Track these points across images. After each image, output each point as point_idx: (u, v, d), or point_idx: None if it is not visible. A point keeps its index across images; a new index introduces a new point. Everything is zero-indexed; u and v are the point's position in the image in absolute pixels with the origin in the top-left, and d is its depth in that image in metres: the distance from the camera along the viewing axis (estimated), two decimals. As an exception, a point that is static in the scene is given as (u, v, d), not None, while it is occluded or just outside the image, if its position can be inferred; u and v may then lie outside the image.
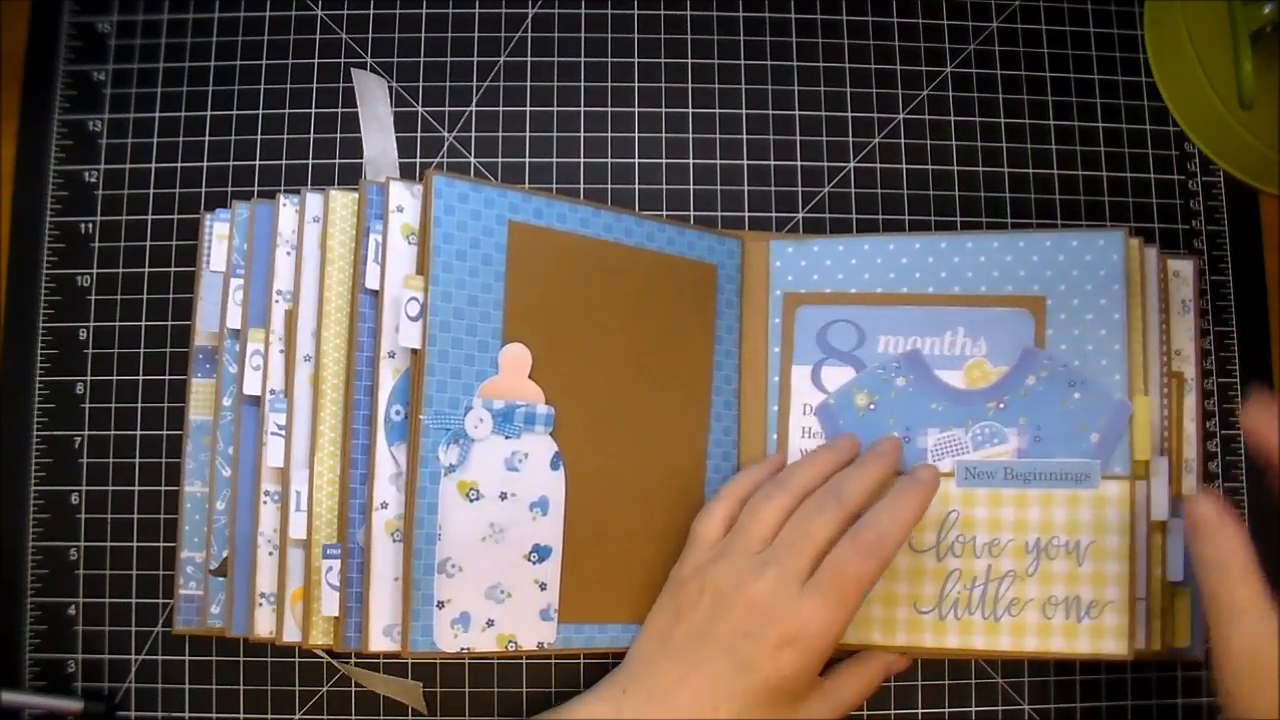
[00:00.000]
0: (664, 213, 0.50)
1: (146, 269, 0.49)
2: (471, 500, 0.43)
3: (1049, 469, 0.45)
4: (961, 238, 0.47)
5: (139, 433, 0.48)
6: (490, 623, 0.43)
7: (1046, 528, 0.45)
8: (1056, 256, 0.46)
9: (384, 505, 0.43)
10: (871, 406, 0.47)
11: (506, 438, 0.43)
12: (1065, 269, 0.46)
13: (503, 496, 0.43)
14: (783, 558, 0.40)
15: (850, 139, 0.51)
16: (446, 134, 0.50)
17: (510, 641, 0.43)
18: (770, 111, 0.51)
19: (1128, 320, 0.45)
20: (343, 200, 0.45)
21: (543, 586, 0.44)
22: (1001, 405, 0.46)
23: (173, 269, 0.49)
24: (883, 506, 0.40)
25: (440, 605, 0.42)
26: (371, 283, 0.43)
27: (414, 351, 0.43)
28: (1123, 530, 0.44)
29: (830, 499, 0.41)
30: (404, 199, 0.44)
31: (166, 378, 0.49)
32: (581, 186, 0.50)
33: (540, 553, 0.44)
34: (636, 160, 0.50)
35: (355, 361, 0.43)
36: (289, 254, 0.46)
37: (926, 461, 0.46)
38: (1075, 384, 0.45)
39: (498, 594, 0.43)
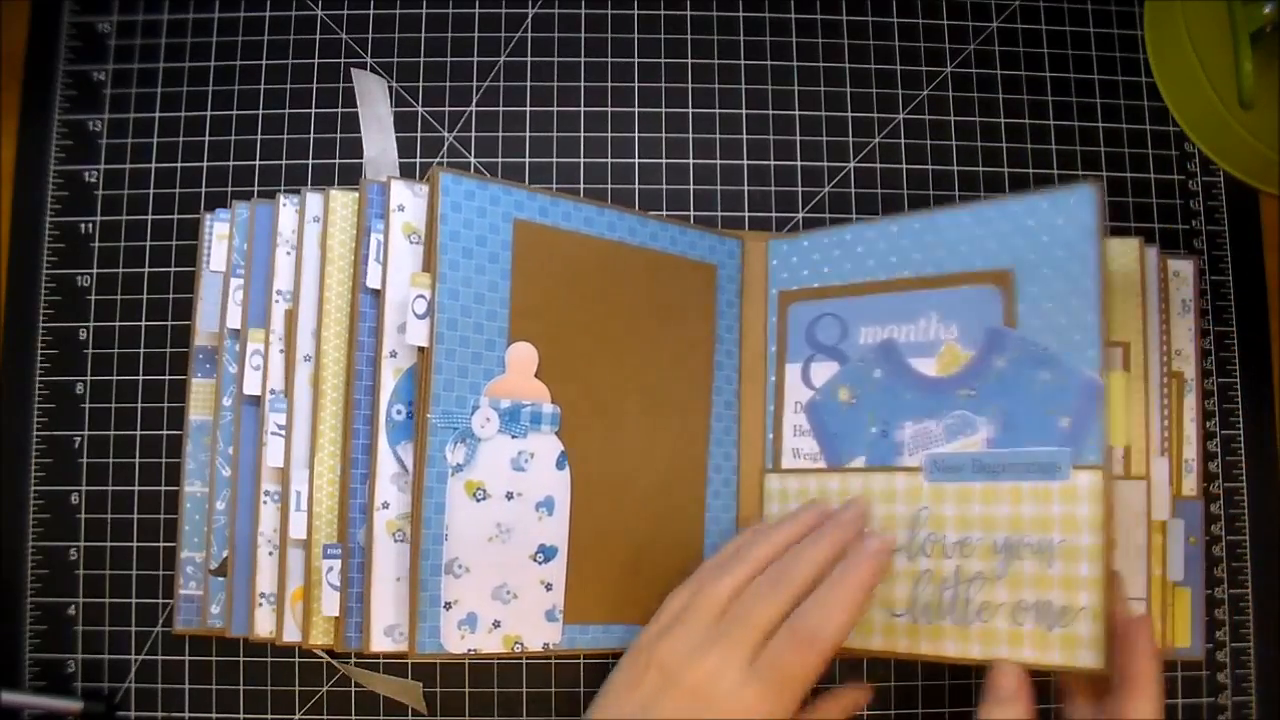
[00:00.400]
0: (664, 212, 0.50)
1: (146, 269, 0.49)
2: (478, 500, 0.43)
3: (1017, 460, 0.41)
4: (934, 214, 0.45)
5: (139, 433, 0.48)
6: (496, 624, 0.43)
7: (1015, 524, 0.41)
8: (1026, 222, 0.43)
9: (385, 505, 0.43)
10: (853, 401, 0.46)
11: (513, 437, 0.43)
12: (1035, 235, 0.42)
13: (509, 496, 0.43)
14: (729, 638, 0.38)
15: (850, 139, 0.51)
16: (446, 134, 0.50)
17: (516, 643, 0.43)
18: (770, 111, 0.51)
19: (1100, 288, 0.40)
20: (343, 200, 0.45)
21: (548, 587, 0.44)
22: (972, 393, 0.43)
23: (173, 269, 0.49)
24: (823, 593, 0.38)
25: (447, 606, 0.42)
26: (373, 282, 0.43)
27: (421, 350, 0.42)
28: (1095, 527, 0.39)
29: (779, 580, 0.39)
30: (405, 198, 0.44)
31: (166, 378, 0.49)
32: (581, 186, 0.50)
33: (546, 553, 0.44)
34: (636, 160, 0.50)
35: (356, 361, 0.43)
36: (289, 254, 0.46)
37: (903, 459, 0.44)
38: (1044, 363, 0.41)
39: (504, 594, 0.43)
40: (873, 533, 0.40)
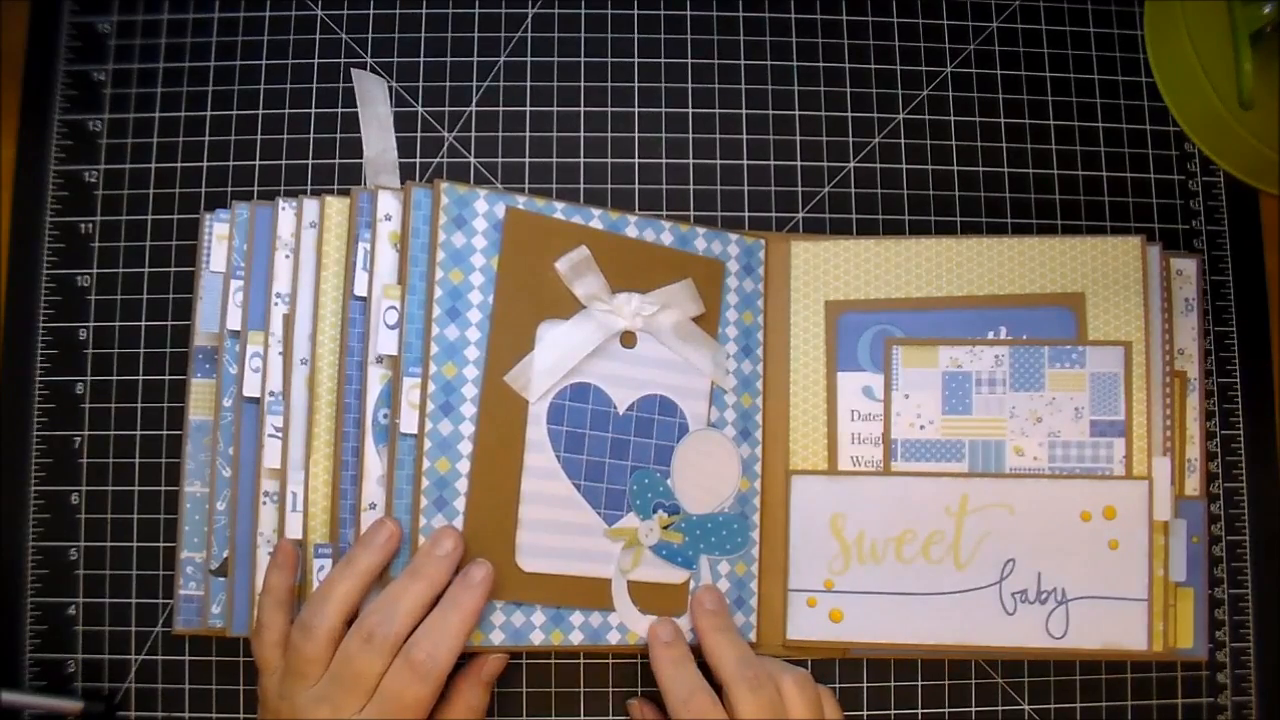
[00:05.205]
0: (664, 212, 0.50)
1: (146, 269, 0.49)
2: None
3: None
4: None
5: (139, 433, 0.48)
6: None
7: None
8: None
9: (372, 506, 0.43)
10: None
11: None
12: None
13: None
14: (335, 695, 0.39)
15: (850, 139, 0.51)
16: (446, 134, 0.50)
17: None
18: (770, 111, 0.51)
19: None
20: (337, 206, 0.45)
21: None
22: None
23: (173, 269, 0.49)
24: (435, 623, 0.40)
25: None
26: (360, 290, 0.44)
27: (392, 358, 0.43)
28: None
29: (378, 635, 0.39)
30: (392, 208, 0.44)
31: (166, 378, 0.49)
32: (581, 186, 0.50)
33: None
34: (636, 160, 0.50)
35: (346, 366, 0.44)
36: (287, 257, 0.46)
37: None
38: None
39: None
40: (477, 561, 0.42)
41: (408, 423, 0.42)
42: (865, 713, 0.47)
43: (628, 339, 0.46)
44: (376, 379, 0.44)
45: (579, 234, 0.46)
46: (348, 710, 0.39)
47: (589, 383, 0.45)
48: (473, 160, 0.50)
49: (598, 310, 0.45)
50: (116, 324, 0.49)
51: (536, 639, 0.44)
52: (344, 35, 0.51)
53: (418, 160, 0.50)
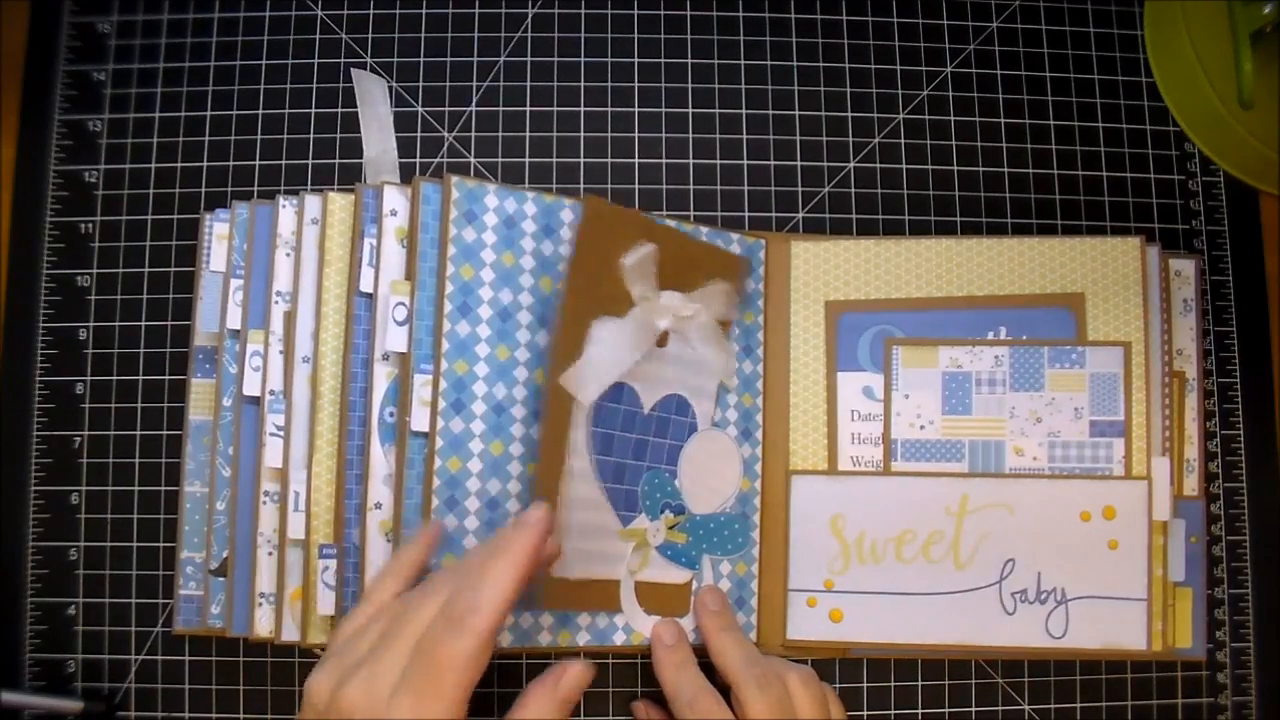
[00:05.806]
0: (664, 212, 0.50)
1: (146, 269, 0.49)
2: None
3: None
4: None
5: (139, 433, 0.48)
6: None
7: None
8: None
9: (378, 505, 0.43)
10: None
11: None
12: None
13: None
14: (375, 656, 0.35)
15: (850, 139, 0.51)
16: (446, 134, 0.50)
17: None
18: (770, 111, 0.51)
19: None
20: (341, 202, 0.45)
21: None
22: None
23: (173, 269, 0.49)
24: (474, 568, 0.35)
25: None
26: (366, 286, 0.44)
27: (401, 355, 0.43)
28: None
29: (432, 590, 0.36)
30: (398, 203, 0.44)
31: (166, 378, 0.49)
32: (581, 187, 0.50)
33: None
34: (636, 160, 0.50)
35: (351, 364, 0.44)
36: (288, 255, 0.46)
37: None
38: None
39: None
40: (535, 502, 0.37)
41: (419, 421, 0.42)
42: (865, 713, 0.47)
43: (660, 338, 0.46)
44: (383, 376, 0.43)
45: (646, 228, 0.44)
46: (383, 673, 0.34)
47: (623, 382, 0.45)
48: (473, 160, 0.50)
49: (646, 310, 0.44)
50: (116, 324, 0.49)
51: (544, 640, 0.44)
52: (344, 35, 0.51)
53: (418, 160, 0.50)
